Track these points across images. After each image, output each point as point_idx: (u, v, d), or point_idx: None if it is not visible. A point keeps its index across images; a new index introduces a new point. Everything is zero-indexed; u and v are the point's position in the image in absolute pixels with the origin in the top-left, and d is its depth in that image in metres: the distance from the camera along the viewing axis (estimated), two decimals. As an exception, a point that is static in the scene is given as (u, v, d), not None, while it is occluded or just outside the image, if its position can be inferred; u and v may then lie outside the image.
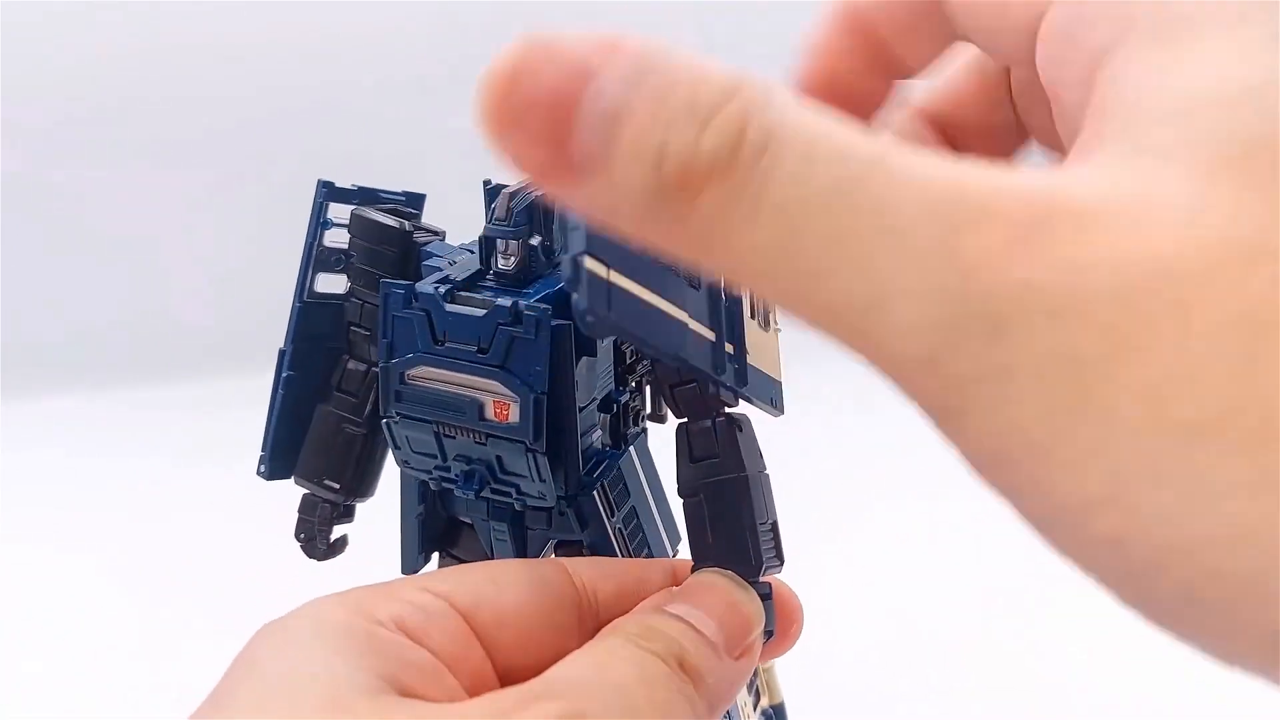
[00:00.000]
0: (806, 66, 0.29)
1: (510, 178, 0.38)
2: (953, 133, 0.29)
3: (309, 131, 1.14)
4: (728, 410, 0.35)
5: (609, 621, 0.31)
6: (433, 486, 0.38)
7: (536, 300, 0.34)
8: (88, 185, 1.13)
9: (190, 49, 1.12)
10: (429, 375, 0.35)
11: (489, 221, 0.36)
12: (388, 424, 0.37)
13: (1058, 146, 0.26)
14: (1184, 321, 0.17)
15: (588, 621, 0.32)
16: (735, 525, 0.33)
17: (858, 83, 0.28)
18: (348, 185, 0.40)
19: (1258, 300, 0.17)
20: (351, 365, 0.40)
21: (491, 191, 0.40)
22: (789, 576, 0.36)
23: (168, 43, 1.11)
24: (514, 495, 0.36)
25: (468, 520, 0.40)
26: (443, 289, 0.35)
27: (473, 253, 0.38)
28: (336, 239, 0.40)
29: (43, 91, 1.10)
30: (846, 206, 0.18)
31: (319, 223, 0.40)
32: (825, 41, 0.28)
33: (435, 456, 0.37)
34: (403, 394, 0.36)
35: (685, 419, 0.35)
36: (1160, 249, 0.18)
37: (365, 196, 0.40)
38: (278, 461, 0.41)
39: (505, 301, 0.34)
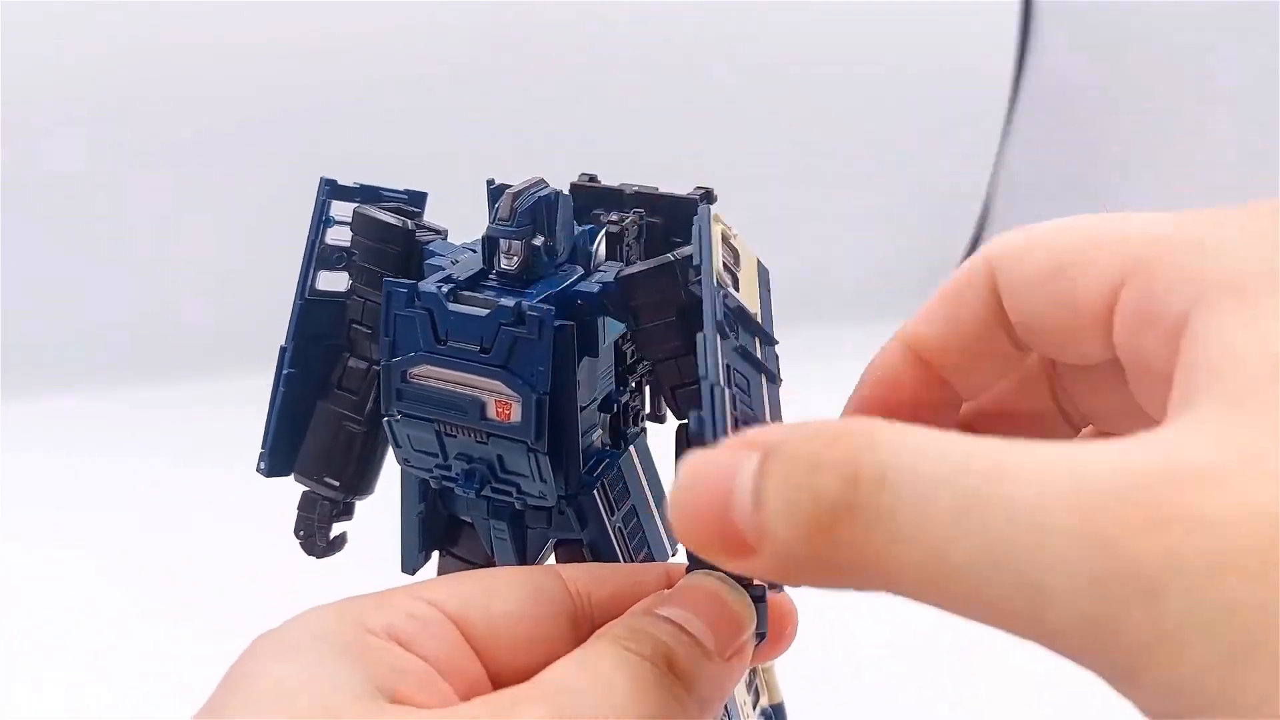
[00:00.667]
0: (872, 395, 0.32)
1: (515, 177, 0.38)
2: (999, 427, 0.32)
3: (309, 131, 1.14)
4: None
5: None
6: (433, 485, 0.38)
7: (539, 300, 0.34)
8: (88, 185, 1.12)
9: (190, 49, 1.11)
10: (431, 374, 0.35)
11: (492, 221, 0.36)
12: (389, 422, 0.37)
13: (1113, 425, 0.30)
14: None
15: (583, 627, 0.32)
16: None
17: (924, 409, 0.31)
18: (350, 183, 0.40)
19: None
20: (352, 363, 0.40)
21: (495, 191, 0.40)
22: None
23: (168, 43, 1.11)
24: (514, 494, 0.36)
25: (468, 519, 0.40)
26: (445, 288, 0.35)
27: (475, 252, 0.38)
28: (338, 237, 0.40)
29: (43, 92, 1.09)
30: (979, 519, 0.20)
31: (321, 220, 0.40)
32: (889, 373, 0.32)
33: (436, 455, 0.37)
34: (404, 392, 0.36)
35: (686, 420, 0.35)
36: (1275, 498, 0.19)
37: (368, 195, 0.40)
38: (277, 458, 0.41)
39: (509, 301, 0.34)
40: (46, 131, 1.11)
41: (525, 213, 0.35)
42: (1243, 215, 0.24)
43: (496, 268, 0.36)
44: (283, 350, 0.40)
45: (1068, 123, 1.32)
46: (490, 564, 0.41)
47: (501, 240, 0.36)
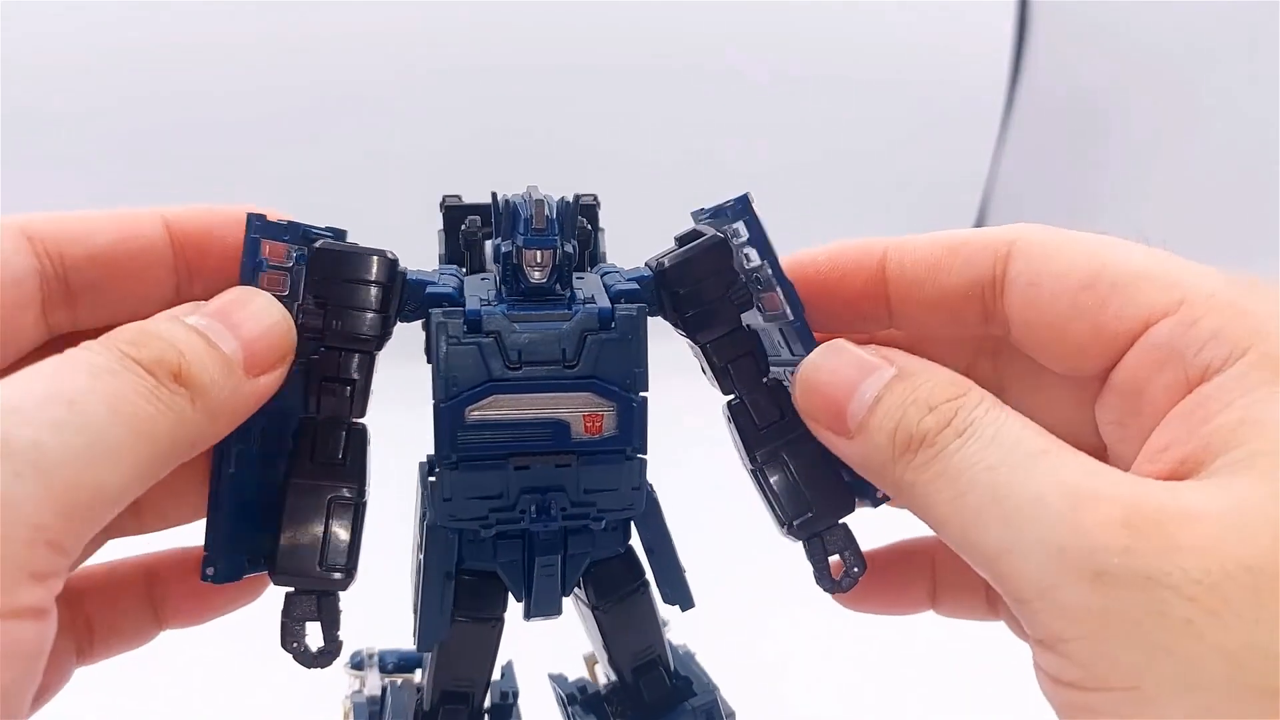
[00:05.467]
0: (823, 269, 0.34)
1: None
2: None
3: (306, 134, 1.10)
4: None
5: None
6: (483, 534, 0.34)
7: (621, 300, 0.33)
8: (90, 186, 1.08)
9: (196, 48, 1.08)
10: (500, 405, 0.32)
11: (520, 232, 0.33)
12: (439, 475, 0.32)
13: (1035, 414, 0.30)
14: (1260, 607, 0.23)
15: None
16: (827, 468, 0.35)
17: (853, 311, 0.35)
18: (279, 220, 0.33)
19: None
20: (326, 428, 0.34)
21: (460, 209, 0.37)
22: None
23: (174, 42, 1.07)
24: (592, 515, 0.34)
25: (490, 568, 0.36)
26: (501, 309, 0.32)
27: (455, 275, 0.35)
28: (273, 284, 0.33)
29: (44, 92, 1.06)
30: (1004, 480, 0.27)
31: (255, 264, 0.32)
32: (851, 264, 0.34)
33: (497, 497, 0.33)
34: (468, 433, 0.32)
35: (735, 395, 0.36)
36: (1247, 551, 0.23)
37: (294, 232, 0.34)
38: (232, 560, 0.33)
39: (592, 308, 0.32)
40: (46, 131, 1.06)
41: (556, 221, 0.33)
42: None
43: (523, 283, 0.33)
44: (219, 450, 0.32)
45: (1064, 124, 1.27)
46: (501, 620, 0.37)
47: (527, 252, 0.33)
